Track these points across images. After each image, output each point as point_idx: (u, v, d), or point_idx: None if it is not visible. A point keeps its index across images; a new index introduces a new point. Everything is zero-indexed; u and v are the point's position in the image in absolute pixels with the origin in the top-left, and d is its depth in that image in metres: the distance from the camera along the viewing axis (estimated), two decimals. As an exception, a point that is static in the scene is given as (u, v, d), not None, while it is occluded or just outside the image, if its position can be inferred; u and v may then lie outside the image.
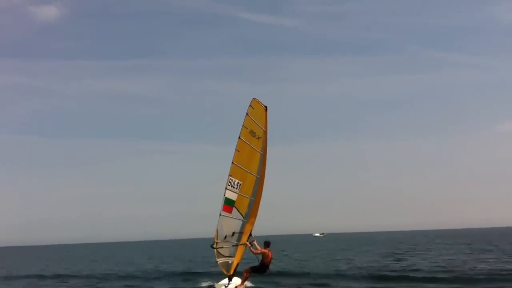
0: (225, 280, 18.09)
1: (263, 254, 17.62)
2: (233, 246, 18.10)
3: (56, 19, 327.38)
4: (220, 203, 17.68)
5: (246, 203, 18.29)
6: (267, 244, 17.86)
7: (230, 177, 17.26)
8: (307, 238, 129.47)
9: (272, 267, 18.21)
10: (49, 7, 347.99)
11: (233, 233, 18.17)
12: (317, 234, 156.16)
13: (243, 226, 18.38)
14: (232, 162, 17.21)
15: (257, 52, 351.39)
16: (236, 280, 18.20)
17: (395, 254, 37.66)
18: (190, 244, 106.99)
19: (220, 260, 17.93)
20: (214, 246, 17.53)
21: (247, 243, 17.91)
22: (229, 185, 17.27)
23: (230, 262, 18.34)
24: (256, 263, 17.80)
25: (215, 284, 18.45)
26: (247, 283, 18.09)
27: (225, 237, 17.70)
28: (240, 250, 18.30)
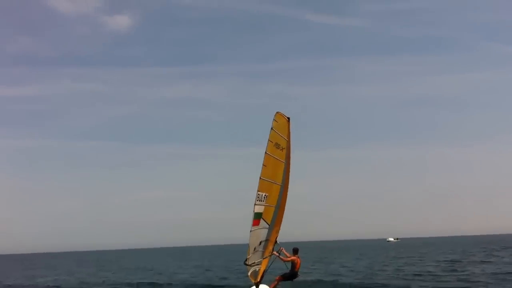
0: None
1: (292, 261, 18.20)
2: (261, 255, 18.54)
3: (127, 28, 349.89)
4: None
5: (272, 211, 18.70)
6: (295, 251, 18.45)
7: (258, 192, 17.57)
8: (382, 244, 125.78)
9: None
10: (121, 17, 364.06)
11: (260, 242, 18.60)
12: (391, 239, 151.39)
13: (269, 234, 18.78)
14: (260, 178, 17.48)
15: (324, 54, 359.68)
16: (263, 287, 18.76)
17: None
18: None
19: (250, 271, 18.36)
20: (247, 262, 17.89)
21: (275, 252, 18.39)
22: (257, 200, 17.59)
23: (257, 269, 18.83)
24: (286, 271, 18.39)
25: None
26: None
27: (254, 249, 18.10)
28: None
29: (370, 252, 68.79)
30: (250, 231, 17.68)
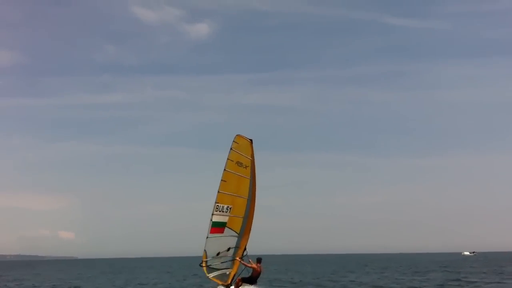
0: None
1: (253, 268, 20.59)
2: (229, 260, 21.06)
3: (207, 36, 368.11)
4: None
5: (240, 222, 21.25)
6: (258, 261, 20.84)
7: (217, 204, 20.16)
8: (456, 257, 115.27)
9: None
10: (201, 25, 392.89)
11: (229, 248, 21.11)
12: (467, 253, 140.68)
13: (238, 242, 21.38)
14: (218, 191, 20.10)
15: (407, 58, 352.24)
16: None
17: None
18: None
19: (214, 274, 20.86)
20: (203, 264, 20.45)
21: (238, 258, 20.85)
22: (216, 211, 20.16)
23: (227, 273, 21.35)
24: (246, 275, 20.79)
25: None
26: None
27: (218, 253, 20.62)
28: (236, 263, 21.26)
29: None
30: (207, 237, 20.18)
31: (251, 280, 20.74)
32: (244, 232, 21.45)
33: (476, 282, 30.95)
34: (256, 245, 23.30)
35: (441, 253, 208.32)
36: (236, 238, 21.34)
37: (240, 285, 20.91)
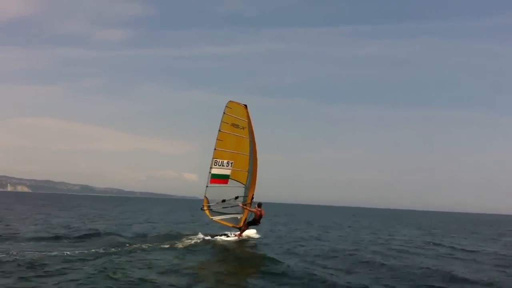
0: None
1: (254, 212, 24.49)
2: (238, 206, 25.08)
3: None
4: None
5: (245, 175, 25.12)
6: (259, 205, 24.66)
7: (215, 159, 24.03)
8: None
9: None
10: None
11: (237, 197, 25.13)
12: None
13: (246, 191, 25.33)
14: (215, 149, 23.90)
15: None
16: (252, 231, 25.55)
17: None
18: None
19: (222, 217, 24.94)
20: (204, 208, 24.60)
21: (240, 204, 24.75)
22: (215, 165, 24.07)
23: (239, 217, 25.48)
24: (250, 219, 24.83)
25: (229, 233, 25.54)
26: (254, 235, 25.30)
27: (224, 200, 24.68)
28: (248, 207, 25.20)
29: None
30: (206, 186, 24.16)
31: (254, 222, 24.77)
32: (250, 184, 25.30)
33: None
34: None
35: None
36: (244, 189, 25.30)
37: (247, 228, 25.07)
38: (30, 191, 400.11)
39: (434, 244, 29.04)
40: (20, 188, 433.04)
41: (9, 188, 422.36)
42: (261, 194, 26.00)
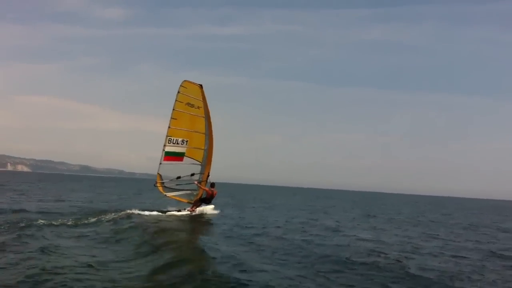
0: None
1: (206, 191, 25.43)
2: (193, 183, 25.93)
3: None
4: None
5: (201, 153, 25.91)
6: (212, 185, 25.65)
7: (169, 137, 24.79)
8: None
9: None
10: None
11: (193, 174, 25.93)
12: None
13: (202, 169, 26.14)
14: (169, 127, 24.66)
15: None
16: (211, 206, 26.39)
17: None
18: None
19: (176, 193, 25.73)
20: (158, 185, 25.39)
21: (195, 182, 25.60)
22: (169, 143, 24.85)
23: (194, 193, 26.34)
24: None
25: (182, 210, 26.33)
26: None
27: (179, 177, 25.52)
28: (202, 186, 26.08)
29: None
30: (160, 163, 24.98)
31: (205, 200, 25.74)
32: (206, 162, 26.12)
33: None
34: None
35: None
36: (200, 166, 26.11)
37: (199, 204, 25.98)
38: (29, 170, 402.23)
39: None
40: (19, 168, 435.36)
41: (9, 168, 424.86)
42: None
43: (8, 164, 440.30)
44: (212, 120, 25.48)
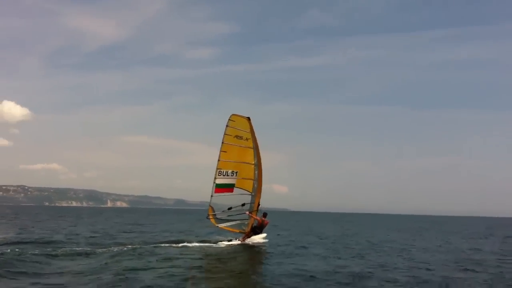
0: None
1: (257, 220, 26.18)
2: (245, 213, 26.71)
3: None
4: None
5: (250, 183, 26.82)
6: (264, 215, 26.42)
7: (219, 169, 25.87)
8: None
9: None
10: None
11: (244, 204, 26.79)
12: None
13: (252, 199, 26.98)
14: (219, 160, 25.82)
15: None
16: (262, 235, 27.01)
17: None
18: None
19: (228, 224, 26.51)
20: (210, 217, 26.13)
21: (247, 212, 26.38)
22: (219, 175, 25.92)
23: (246, 223, 27.14)
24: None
25: (234, 239, 27.02)
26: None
27: (230, 208, 26.37)
28: (253, 215, 26.85)
29: None
30: (211, 196, 25.87)
31: (256, 229, 26.44)
32: (256, 191, 26.96)
33: None
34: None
35: None
36: (250, 196, 26.98)
37: (251, 234, 26.66)
38: (128, 206, 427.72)
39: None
40: (119, 204, 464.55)
41: (109, 204, 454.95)
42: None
43: (108, 200, 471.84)
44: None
